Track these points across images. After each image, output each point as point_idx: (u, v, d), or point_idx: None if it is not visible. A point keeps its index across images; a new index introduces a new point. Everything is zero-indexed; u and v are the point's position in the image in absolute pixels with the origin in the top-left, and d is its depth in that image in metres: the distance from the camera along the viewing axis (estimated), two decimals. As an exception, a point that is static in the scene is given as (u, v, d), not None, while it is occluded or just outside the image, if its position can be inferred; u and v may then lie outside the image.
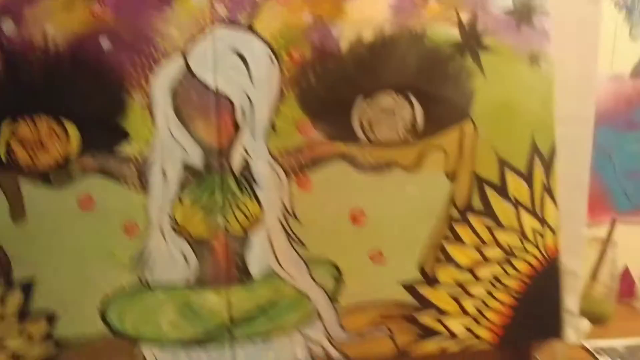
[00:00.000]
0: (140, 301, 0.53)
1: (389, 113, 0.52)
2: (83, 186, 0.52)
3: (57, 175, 0.52)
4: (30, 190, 0.52)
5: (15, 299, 0.53)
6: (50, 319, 0.53)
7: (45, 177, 0.52)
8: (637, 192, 0.89)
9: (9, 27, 0.51)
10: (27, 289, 0.53)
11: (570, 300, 0.68)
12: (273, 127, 0.52)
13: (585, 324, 0.80)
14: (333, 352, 0.54)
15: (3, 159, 0.51)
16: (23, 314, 0.53)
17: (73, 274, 0.53)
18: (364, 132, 0.52)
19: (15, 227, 0.52)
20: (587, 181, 0.72)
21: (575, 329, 0.74)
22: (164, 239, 0.52)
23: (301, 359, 0.54)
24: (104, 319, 0.53)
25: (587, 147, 0.69)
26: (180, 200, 0.52)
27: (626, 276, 0.93)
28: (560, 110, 0.58)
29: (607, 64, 0.81)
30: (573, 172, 0.63)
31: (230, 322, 0.53)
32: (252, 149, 0.52)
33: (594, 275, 0.81)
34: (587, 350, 0.75)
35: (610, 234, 0.80)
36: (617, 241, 0.82)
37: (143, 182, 0.52)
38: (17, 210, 0.52)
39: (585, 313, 0.79)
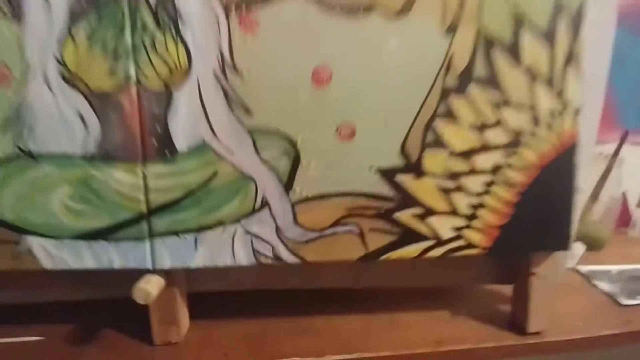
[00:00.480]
0: (22, 179, 0.39)
1: None
2: None
3: None
4: None
5: None
6: None
7: None
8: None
9: None
10: None
11: None
12: None
13: (579, 248, 0.72)
14: (284, 253, 0.42)
15: None
16: None
17: None
18: (335, -48, 0.37)
19: None
20: (604, 82, 0.60)
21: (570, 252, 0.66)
22: (50, 91, 0.38)
23: (242, 260, 0.42)
24: (-28, 199, 0.39)
25: (609, 25, 0.56)
26: (72, 36, 0.37)
27: (623, 203, 0.84)
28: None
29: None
30: (589, 71, 0.50)
31: (147, 210, 0.40)
32: (176, -33, 0.37)
33: (594, 195, 0.72)
34: (580, 273, 0.67)
35: (619, 148, 0.69)
36: (624, 159, 0.72)
37: (15, 8, 0.36)
38: None
39: (581, 236, 0.71)
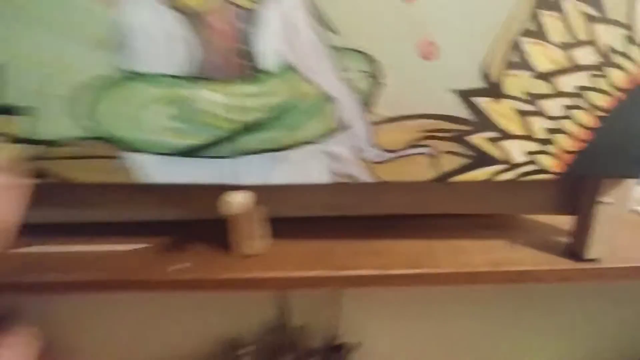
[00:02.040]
0: (120, 95, 0.42)
1: None
2: None
3: None
4: None
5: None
6: (24, 114, 0.43)
7: None
8: None
9: None
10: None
11: None
12: None
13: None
14: (362, 172, 0.44)
15: None
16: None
17: (42, 57, 0.41)
18: None
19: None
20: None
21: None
22: (148, 9, 0.39)
23: (320, 178, 0.44)
24: (75, 117, 0.43)
25: None
26: (165, -47, 0.38)
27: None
28: None
29: None
30: None
31: (231, 128, 0.43)
32: None
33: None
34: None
35: None
36: None
37: None
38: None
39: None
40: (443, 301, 0.79)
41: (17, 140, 0.45)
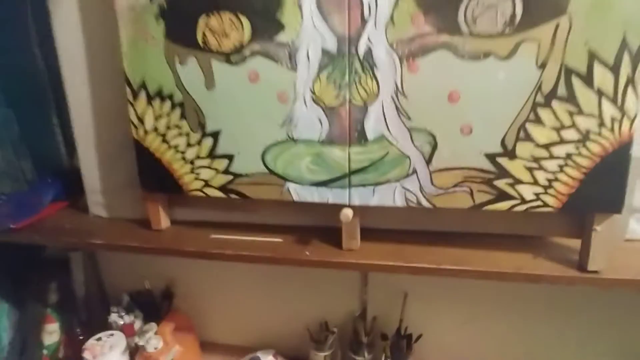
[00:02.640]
0: (287, 151, 0.75)
1: (492, 8, 0.62)
2: (252, 65, 0.72)
3: (235, 56, 0.73)
4: (217, 67, 0.74)
5: (207, 143, 0.79)
6: (229, 158, 0.78)
7: (227, 58, 0.73)
8: None
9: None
10: (215, 137, 0.78)
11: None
12: (392, 20, 0.66)
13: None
14: (424, 200, 0.72)
15: (200, 44, 0.74)
16: (212, 155, 0.79)
17: (243, 129, 0.76)
18: (467, 25, 0.63)
19: (208, 93, 0.76)
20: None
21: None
22: (306, 106, 0.72)
23: (399, 203, 0.72)
24: (263, 161, 0.77)
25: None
26: (318, 77, 0.70)
27: None
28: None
29: None
30: None
31: (349, 171, 0.73)
32: (374, 39, 0.67)
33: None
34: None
35: None
36: None
37: (293, 63, 0.71)
38: (210, 81, 0.75)
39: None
40: (491, 301, 1.01)
41: (223, 172, 0.79)
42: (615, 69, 0.62)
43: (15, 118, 1.16)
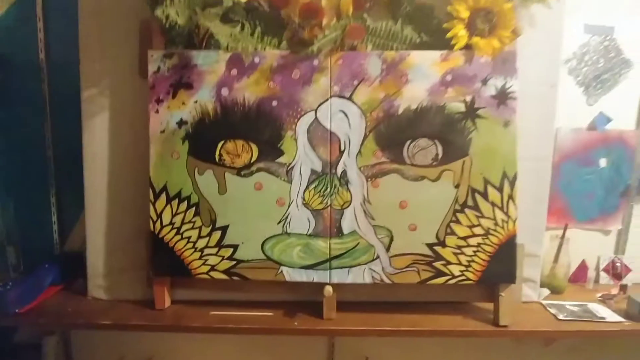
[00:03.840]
0: (282, 242, 0.98)
1: (424, 149, 0.95)
2: (257, 178, 0.98)
3: (244, 171, 0.98)
4: (230, 178, 0.98)
5: (216, 236, 0.99)
6: (234, 248, 0.99)
7: (238, 172, 0.98)
8: (590, 207, 1.27)
9: (225, 92, 0.98)
10: (224, 231, 0.99)
11: (533, 273, 1.10)
12: (360, 152, 0.96)
13: (545, 291, 1.20)
14: (385, 278, 0.98)
15: (217, 160, 0.98)
16: (219, 244, 0.99)
17: (248, 225, 0.98)
18: (409, 158, 0.96)
19: (220, 197, 0.98)
20: (546, 194, 1.13)
21: (537, 293, 1.14)
22: (298, 209, 0.97)
23: (367, 280, 0.97)
24: (262, 250, 0.98)
25: (547, 172, 1.11)
26: (308, 188, 0.97)
27: (582, 266, 1.31)
28: (526, 152, 1.00)
29: (571, 121, 1.21)
30: (537, 189, 1.06)
31: (330, 257, 0.98)
32: (348, 164, 0.97)
33: (555, 259, 1.21)
34: (543, 305, 1.14)
35: (564, 233, 1.20)
36: (570, 238, 1.21)
37: (289, 178, 0.97)
38: (222, 188, 0.99)
39: (548, 285, 1.19)
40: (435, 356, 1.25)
41: (228, 258, 0.99)
42: (500, 189, 0.97)
43: (13, 205, 1.26)
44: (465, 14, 0.93)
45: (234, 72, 0.98)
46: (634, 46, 1.20)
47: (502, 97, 0.97)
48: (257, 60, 0.98)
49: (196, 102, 0.98)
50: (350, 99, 0.97)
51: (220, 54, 0.97)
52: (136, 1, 1.01)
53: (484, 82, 0.96)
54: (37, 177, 1.25)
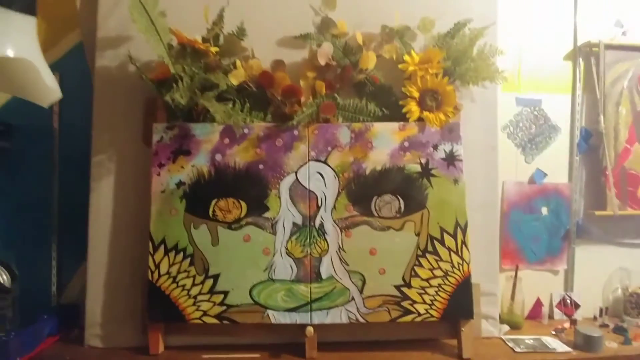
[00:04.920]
0: (268, 287, 1.11)
1: (388, 203, 1.12)
2: (246, 230, 1.12)
3: (234, 224, 1.12)
4: (222, 231, 1.12)
5: (209, 283, 1.11)
6: (225, 294, 1.10)
7: (229, 226, 1.12)
8: (538, 250, 1.46)
9: (218, 157, 1.14)
10: (216, 278, 1.11)
11: (492, 310, 1.25)
12: (335, 207, 1.13)
13: (505, 327, 1.33)
14: (360, 318, 1.10)
15: (211, 216, 1.12)
16: (211, 291, 1.10)
17: (237, 272, 1.11)
18: (376, 212, 1.12)
19: (213, 248, 1.12)
20: (497, 238, 1.31)
21: (497, 329, 1.28)
22: (282, 257, 1.11)
23: (344, 320, 1.09)
24: (250, 295, 1.10)
25: (495, 219, 1.30)
26: (290, 239, 1.12)
27: (537, 303, 1.46)
28: (475, 201, 1.19)
29: (513, 176, 1.43)
30: (488, 233, 1.23)
31: (310, 300, 1.10)
32: (325, 217, 1.13)
33: (512, 297, 1.36)
34: (502, 340, 1.27)
35: (516, 273, 1.37)
36: (522, 278, 1.38)
37: (274, 230, 1.12)
38: (215, 240, 1.12)
39: (508, 321, 1.33)
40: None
41: (219, 304, 1.10)
42: (454, 236, 1.14)
43: (15, 259, 1.34)
44: (416, 93, 1.16)
45: (227, 141, 1.16)
46: (558, 115, 1.46)
47: (451, 159, 1.17)
48: (246, 131, 1.16)
49: (193, 166, 1.15)
50: (325, 162, 1.15)
51: (215, 126, 1.16)
52: (141, 82, 1.20)
53: (435, 147, 1.17)
54: (40, 234, 1.36)
